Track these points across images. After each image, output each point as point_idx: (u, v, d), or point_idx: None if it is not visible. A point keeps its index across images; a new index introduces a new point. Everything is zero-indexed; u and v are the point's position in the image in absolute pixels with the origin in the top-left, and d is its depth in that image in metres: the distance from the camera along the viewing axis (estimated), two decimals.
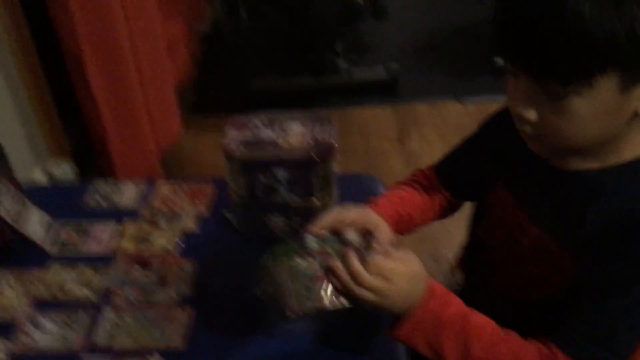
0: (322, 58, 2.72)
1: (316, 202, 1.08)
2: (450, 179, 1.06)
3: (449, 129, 2.59)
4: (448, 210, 1.08)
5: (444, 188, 1.06)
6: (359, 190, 1.25)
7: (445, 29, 3.19)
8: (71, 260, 1.11)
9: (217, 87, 2.93)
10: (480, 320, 0.81)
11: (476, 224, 1.05)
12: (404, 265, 0.80)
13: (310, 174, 1.05)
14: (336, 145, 1.06)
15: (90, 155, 2.04)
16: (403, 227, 1.00)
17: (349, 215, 0.89)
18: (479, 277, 1.03)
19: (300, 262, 0.83)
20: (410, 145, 2.52)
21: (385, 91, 2.79)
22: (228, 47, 3.22)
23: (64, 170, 1.85)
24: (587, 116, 0.73)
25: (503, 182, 0.95)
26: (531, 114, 0.76)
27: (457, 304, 0.82)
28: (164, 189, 1.27)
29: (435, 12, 3.40)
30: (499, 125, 0.96)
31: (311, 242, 0.85)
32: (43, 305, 1.04)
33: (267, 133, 1.08)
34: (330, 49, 2.71)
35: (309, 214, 1.10)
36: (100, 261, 1.11)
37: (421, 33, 3.22)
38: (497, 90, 2.66)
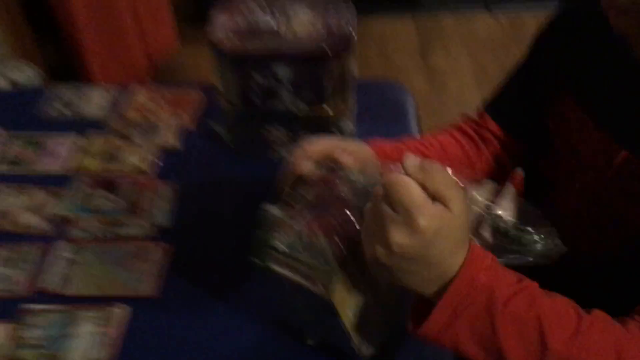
0: None
1: (328, 109, 0.84)
2: (506, 110, 0.81)
3: (478, 42, 2.30)
4: (502, 163, 0.82)
5: (499, 124, 0.80)
6: (382, 99, 1.01)
7: None
8: (21, 180, 0.89)
9: None
10: (554, 299, 0.53)
11: (534, 163, 0.80)
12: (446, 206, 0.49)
13: (322, 73, 0.80)
14: (355, 35, 0.81)
15: (65, 64, 1.78)
16: None
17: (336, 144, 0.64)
18: None
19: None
20: (434, 61, 2.24)
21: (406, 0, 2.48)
22: None
23: (28, 77, 1.59)
24: None
25: (571, 99, 0.71)
26: None
27: (513, 276, 0.53)
28: (140, 96, 1.03)
29: None
30: (558, 34, 0.73)
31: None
32: None
33: (265, 20, 0.83)
34: None
35: (318, 125, 0.86)
36: (56, 182, 0.88)
37: None
38: None
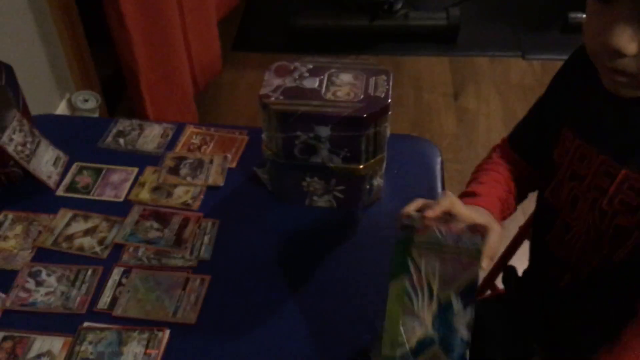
0: None
1: (361, 167, 0.93)
2: (525, 146, 0.95)
3: (510, 87, 2.37)
4: (530, 185, 0.97)
5: (521, 157, 0.95)
6: (412, 155, 1.09)
7: None
8: (82, 205, 1.00)
9: (262, 21, 2.75)
10: None
11: (543, 189, 0.92)
12: None
13: (358, 136, 0.89)
14: (390, 103, 0.90)
15: (121, 86, 1.92)
16: (505, 216, 0.90)
17: (460, 209, 0.73)
18: (557, 245, 0.90)
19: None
20: (466, 103, 2.32)
21: (443, 40, 2.56)
22: None
23: (90, 103, 1.73)
24: None
25: (569, 133, 0.84)
26: (631, 46, 0.64)
27: None
28: (192, 134, 1.13)
29: None
30: (565, 75, 0.87)
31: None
32: (47, 255, 0.93)
33: (312, 82, 0.93)
34: None
35: (352, 181, 0.95)
36: (114, 211, 0.99)
37: None
38: (566, 48, 2.46)
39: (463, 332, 0.65)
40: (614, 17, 0.64)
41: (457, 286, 0.66)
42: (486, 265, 0.69)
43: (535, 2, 2.77)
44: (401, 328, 0.66)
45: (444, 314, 0.66)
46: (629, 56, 0.65)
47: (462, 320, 0.65)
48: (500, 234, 0.74)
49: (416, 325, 0.66)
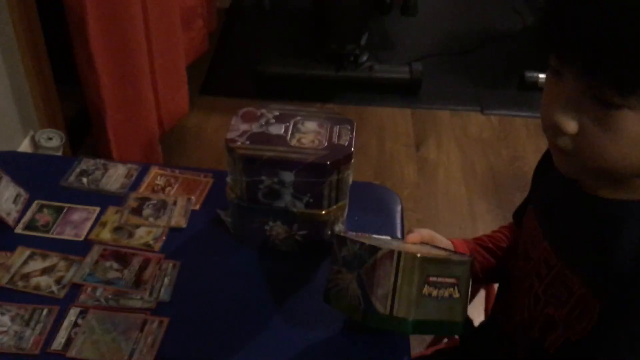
0: (344, 50, 2.57)
1: (324, 214, 0.95)
2: (518, 218, 0.96)
3: (469, 140, 2.44)
4: None
5: (515, 225, 0.98)
6: (373, 202, 1.12)
7: (476, 35, 3.03)
8: (41, 244, 0.98)
9: (230, 67, 2.79)
10: None
11: (507, 257, 0.96)
12: None
13: (321, 182, 0.92)
14: (353, 151, 0.93)
15: (86, 127, 1.91)
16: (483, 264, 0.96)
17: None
18: (501, 314, 0.93)
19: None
20: (426, 154, 2.38)
21: (406, 93, 2.64)
22: (247, 26, 3.08)
23: (54, 141, 1.71)
24: (637, 137, 0.61)
25: (533, 210, 0.85)
26: (570, 125, 0.64)
27: None
28: (156, 175, 1.13)
29: (469, 16, 3.25)
30: (545, 156, 0.87)
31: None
32: (1, 293, 0.91)
33: (277, 129, 0.95)
34: (354, 41, 2.57)
35: (314, 226, 0.97)
36: (73, 250, 0.98)
37: (451, 36, 3.06)
38: (522, 105, 2.57)
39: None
40: (560, 94, 0.64)
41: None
42: (412, 238, 0.85)
43: (494, 60, 2.90)
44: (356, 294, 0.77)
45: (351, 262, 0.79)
46: (568, 135, 0.64)
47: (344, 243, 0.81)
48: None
49: (349, 284, 0.78)
